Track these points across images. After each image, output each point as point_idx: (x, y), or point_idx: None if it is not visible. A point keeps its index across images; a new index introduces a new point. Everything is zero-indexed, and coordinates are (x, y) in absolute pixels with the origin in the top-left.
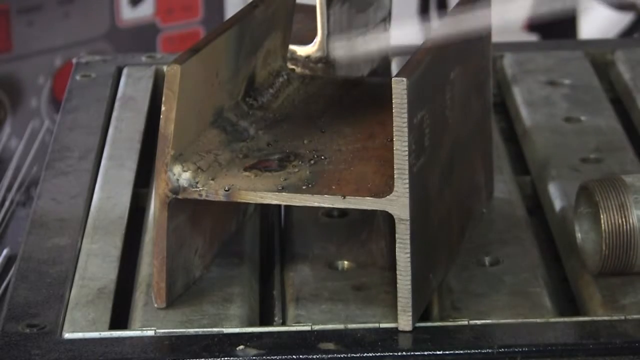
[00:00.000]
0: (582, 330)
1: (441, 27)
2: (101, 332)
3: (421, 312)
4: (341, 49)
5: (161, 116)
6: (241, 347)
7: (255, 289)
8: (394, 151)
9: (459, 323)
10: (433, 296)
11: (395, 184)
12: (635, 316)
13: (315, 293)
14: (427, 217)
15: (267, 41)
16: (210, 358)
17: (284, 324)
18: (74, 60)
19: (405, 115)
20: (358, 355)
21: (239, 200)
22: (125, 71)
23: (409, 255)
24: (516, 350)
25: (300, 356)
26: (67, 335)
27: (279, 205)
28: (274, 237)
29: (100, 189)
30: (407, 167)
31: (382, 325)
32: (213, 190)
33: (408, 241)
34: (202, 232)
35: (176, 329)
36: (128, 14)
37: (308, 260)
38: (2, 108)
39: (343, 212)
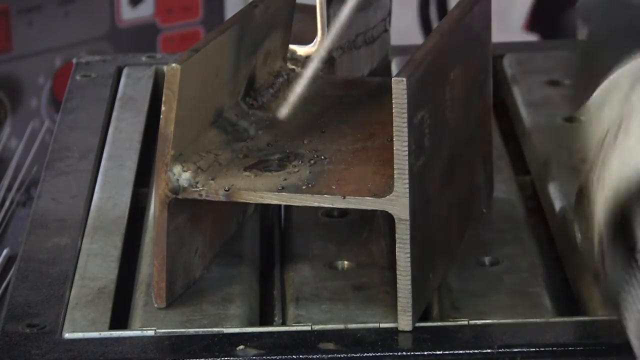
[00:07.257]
0: (582, 330)
1: None
2: (101, 332)
3: (421, 312)
4: None
5: (161, 116)
6: (241, 347)
7: (255, 289)
8: (394, 151)
9: (459, 323)
10: (433, 296)
11: (395, 184)
12: None
13: (315, 293)
14: (427, 217)
15: (267, 41)
16: (210, 358)
17: (284, 324)
18: (74, 60)
19: (405, 115)
20: (358, 355)
21: (239, 200)
22: (125, 71)
23: (409, 255)
24: (516, 350)
25: (300, 356)
26: (67, 335)
27: (279, 205)
28: (274, 237)
29: (100, 189)
30: (407, 167)
31: (382, 325)
32: (213, 190)
33: (408, 241)
34: (202, 232)
35: (176, 329)
36: (128, 14)
37: (308, 260)
38: (2, 108)
39: (343, 212)
